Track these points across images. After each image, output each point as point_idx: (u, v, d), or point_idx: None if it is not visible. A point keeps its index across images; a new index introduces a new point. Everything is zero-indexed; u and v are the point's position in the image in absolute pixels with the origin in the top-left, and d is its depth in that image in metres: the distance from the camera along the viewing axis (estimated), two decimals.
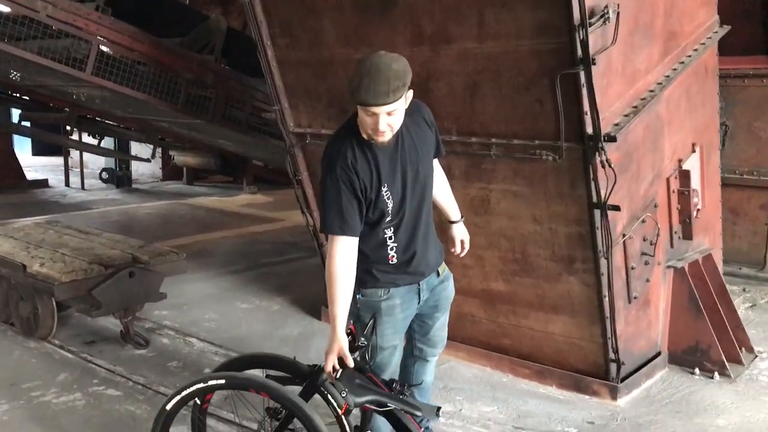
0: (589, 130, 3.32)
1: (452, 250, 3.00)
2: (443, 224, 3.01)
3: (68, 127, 10.31)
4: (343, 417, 2.39)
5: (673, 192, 4.22)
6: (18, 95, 10.63)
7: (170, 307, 5.26)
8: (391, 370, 2.74)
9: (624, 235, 3.73)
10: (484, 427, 3.57)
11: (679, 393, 3.92)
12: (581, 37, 3.13)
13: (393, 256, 2.62)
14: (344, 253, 2.46)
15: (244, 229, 8.66)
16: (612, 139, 3.35)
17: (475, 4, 3.39)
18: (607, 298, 3.68)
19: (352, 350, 2.42)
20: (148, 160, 11.81)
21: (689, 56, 4.22)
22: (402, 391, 2.51)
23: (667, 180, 4.16)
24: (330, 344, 2.41)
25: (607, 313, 3.70)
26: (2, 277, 4.75)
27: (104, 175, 12.54)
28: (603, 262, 3.60)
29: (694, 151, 4.45)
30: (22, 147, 14.61)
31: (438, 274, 2.79)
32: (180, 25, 8.08)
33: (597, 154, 3.34)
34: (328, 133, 3.92)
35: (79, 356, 4.44)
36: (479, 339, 4.32)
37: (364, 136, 2.48)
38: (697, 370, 4.14)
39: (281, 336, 4.91)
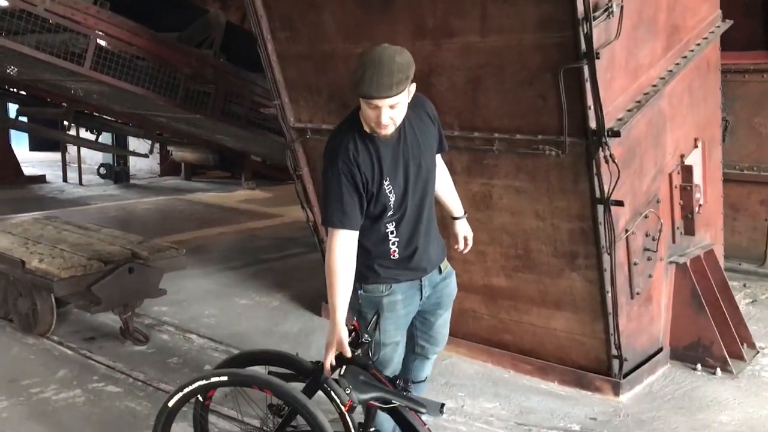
0: (593, 125, 3.30)
1: (455, 246, 2.98)
2: (446, 220, 2.98)
3: (66, 123, 10.27)
4: (346, 414, 2.38)
5: (676, 187, 4.20)
6: (15, 90, 10.58)
7: (170, 303, 5.24)
8: (394, 366, 2.73)
9: (627, 231, 3.71)
10: (486, 424, 3.56)
11: (682, 389, 3.92)
12: (585, 31, 3.10)
13: (395, 251, 2.60)
14: (344, 247, 2.44)
15: (243, 225, 8.63)
16: (616, 134, 3.33)
17: None
18: (609, 294, 3.66)
19: (355, 347, 2.40)
20: (146, 156, 11.75)
21: (692, 51, 4.20)
22: (406, 387, 2.50)
23: (670, 175, 4.15)
24: (329, 336, 2.39)
25: (610, 309, 3.69)
26: (1, 273, 4.73)
27: (102, 170, 12.50)
28: (606, 257, 3.59)
29: (696, 146, 4.43)
30: (19, 142, 14.54)
31: (440, 271, 2.77)
32: (179, 20, 8.04)
33: (600, 149, 3.32)
34: (329, 128, 3.90)
35: (79, 353, 4.42)
36: (480, 335, 4.30)
37: (367, 129, 2.47)
38: (699, 366, 4.13)
39: (281, 332, 4.89)
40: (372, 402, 2.40)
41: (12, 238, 5.03)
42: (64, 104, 9.97)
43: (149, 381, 3.99)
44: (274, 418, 2.57)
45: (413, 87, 2.43)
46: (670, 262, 4.23)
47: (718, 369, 4.08)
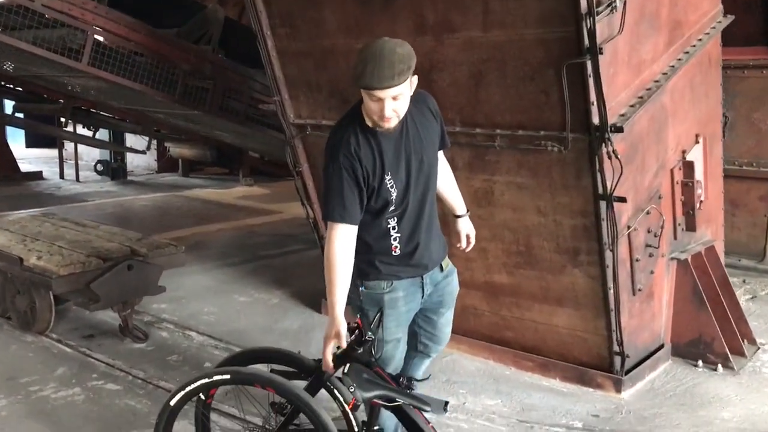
0: (596, 120, 3.29)
1: (458, 245, 2.96)
2: (448, 218, 2.97)
3: (62, 119, 10.21)
4: (350, 412, 2.36)
5: (677, 183, 4.19)
6: (11, 86, 10.52)
7: (168, 300, 5.22)
8: (396, 363, 2.71)
9: (629, 227, 3.70)
10: (488, 421, 3.55)
11: (683, 385, 3.91)
12: (588, 26, 3.09)
13: (396, 247, 2.58)
14: (343, 241, 2.43)
15: (242, 222, 8.60)
16: (619, 129, 3.32)
17: None
18: (612, 291, 3.65)
19: (358, 344, 2.38)
20: (143, 152, 11.73)
21: (694, 46, 4.19)
22: (409, 385, 2.48)
23: (671, 171, 4.14)
24: (328, 329, 2.38)
25: (612, 306, 3.68)
26: None
27: (99, 167, 12.45)
28: (608, 254, 3.57)
29: (697, 142, 4.42)
30: (15, 139, 14.48)
31: (441, 269, 2.75)
32: (177, 15, 8.00)
33: (603, 145, 3.30)
34: (329, 124, 3.88)
35: (78, 350, 4.40)
36: (482, 332, 4.29)
37: (369, 123, 2.46)
38: (700, 363, 4.12)
39: (281, 329, 4.88)
40: (376, 400, 2.39)
41: (9, 235, 5.00)
42: (60, 100, 9.91)
43: (149, 379, 3.97)
44: (276, 416, 2.55)
45: (415, 79, 2.42)
46: (672, 259, 4.22)
47: (720, 365, 4.07)
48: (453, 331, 2.95)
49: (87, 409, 3.63)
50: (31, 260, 4.40)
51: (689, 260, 4.24)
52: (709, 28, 4.45)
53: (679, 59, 4.00)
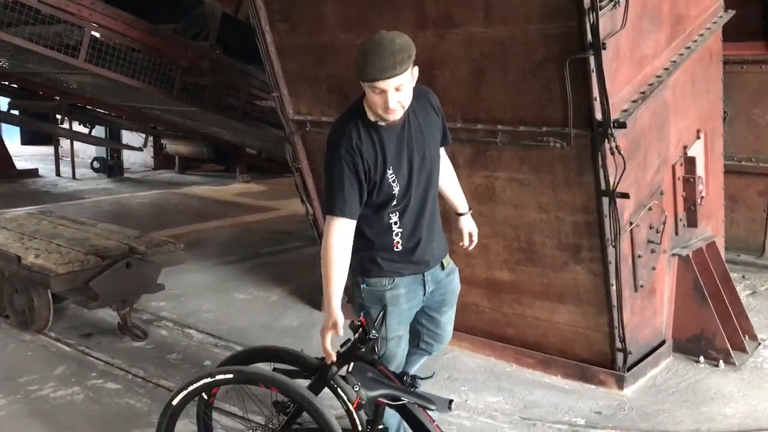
0: (598, 116, 3.27)
1: (460, 243, 2.95)
2: (449, 216, 2.95)
3: (58, 116, 10.14)
4: (354, 412, 2.34)
5: (679, 179, 4.18)
6: (7, 83, 10.45)
7: (167, 298, 5.19)
8: (398, 361, 2.70)
9: (631, 223, 3.68)
10: (490, 418, 3.53)
11: (685, 382, 3.90)
12: (591, 21, 3.07)
13: (398, 242, 2.57)
14: (341, 235, 2.42)
15: (239, 219, 8.57)
16: (622, 125, 3.30)
17: None
18: (614, 287, 3.64)
19: (362, 343, 2.37)
20: (139, 149, 11.66)
21: (695, 41, 4.17)
22: (413, 384, 2.46)
23: (673, 167, 4.12)
24: (325, 320, 2.36)
25: (614, 302, 3.67)
26: None
27: (95, 164, 12.38)
28: (610, 250, 3.56)
29: (698, 137, 4.41)
30: (11, 136, 14.40)
31: (443, 267, 2.74)
32: (174, 11, 7.94)
33: (606, 140, 3.28)
34: (329, 120, 3.86)
35: (77, 349, 4.37)
36: (483, 329, 4.28)
37: (372, 118, 2.45)
38: (701, 359, 4.11)
39: (281, 327, 4.86)
40: (381, 399, 2.37)
41: (7, 234, 4.97)
42: (56, 97, 9.85)
43: (149, 377, 3.95)
44: (279, 415, 2.53)
45: (416, 70, 2.41)
46: (673, 255, 4.21)
47: (721, 361, 4.06)
48: (454, 328, 2.93)
49: (86, 409, 3.61)
50: (29, 258, 4.37)
51: (690, 256, 4.23)
52: (710, 23, 4.44)
53: (681, 54, 3.99)
